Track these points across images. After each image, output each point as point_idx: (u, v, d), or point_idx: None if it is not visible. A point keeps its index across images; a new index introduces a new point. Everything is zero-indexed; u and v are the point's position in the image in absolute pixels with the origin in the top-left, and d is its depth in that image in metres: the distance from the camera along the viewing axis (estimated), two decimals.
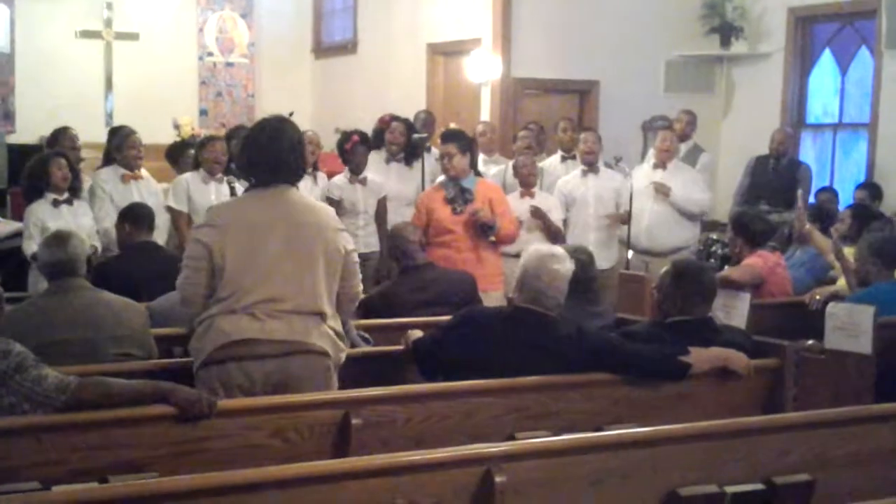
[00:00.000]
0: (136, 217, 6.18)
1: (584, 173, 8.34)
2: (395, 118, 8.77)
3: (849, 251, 6.78)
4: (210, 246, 4.16)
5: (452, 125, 10.26)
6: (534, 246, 4.95)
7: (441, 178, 7.49)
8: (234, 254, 4.15)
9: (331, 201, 7.83)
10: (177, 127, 11.94)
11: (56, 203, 6.85)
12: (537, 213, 7.81)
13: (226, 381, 4.12)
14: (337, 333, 4.33)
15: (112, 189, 7.35)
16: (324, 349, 4.24)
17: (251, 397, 4.10)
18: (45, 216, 6.77)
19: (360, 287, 4.56)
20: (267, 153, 4.29)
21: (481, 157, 8.76)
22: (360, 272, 4.52)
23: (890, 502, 3.19)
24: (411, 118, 9.14)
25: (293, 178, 4.37)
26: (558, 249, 4.70)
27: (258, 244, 4.18)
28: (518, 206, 7.77)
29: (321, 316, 4.25)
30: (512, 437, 4.07)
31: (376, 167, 8.37)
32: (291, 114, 9.64)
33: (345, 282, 4.38)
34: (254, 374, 4.14)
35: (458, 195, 7.05)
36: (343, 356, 4.37)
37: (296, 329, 4.18)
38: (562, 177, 8.61)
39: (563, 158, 9.05)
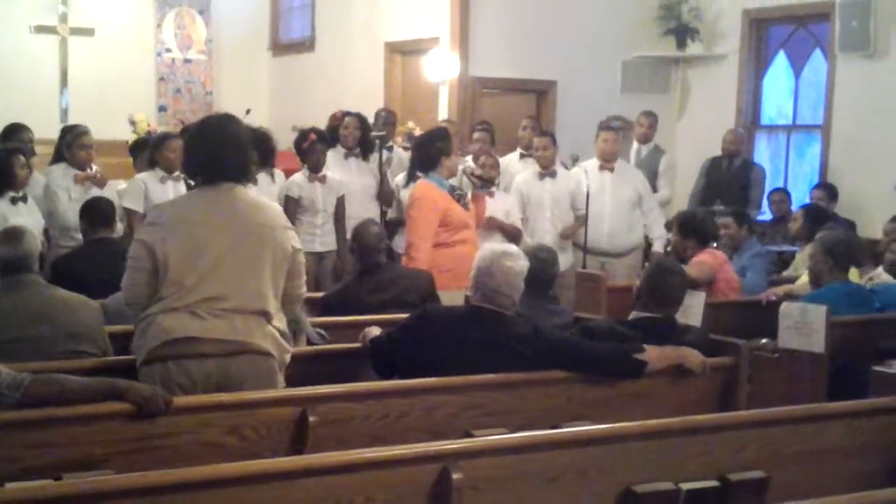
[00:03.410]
0: (93, 213, 6.14)
1: (542, 176, 8.36)
2: (347, 114, 8.76)
3: (801, 256, 6.87)
4: (151, 245, 4.10)
5: (410, 124, 10.29)
6: (487, 244, 4.96)
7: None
8: (176, 252, 4.08)
9: (290, 199, 7.82)
10: (132, 123, 11.85)
11: (14, 200, 6.77)
12: (492, 223, 7.77)
13: (166, 379, 4.03)
14: (282, 334, 4.27)
15: (69, 187, 7.30)
16: (267, 350, 4.17)
17: (206, 394, 4.06)
18: (8, 213, 6.69)
19: (304, 288, 4.49)
20: (209, 152, 4.23)
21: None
22: (304, 272, 4.46)
23: (841, 499, 3.23)
24: (369, 117, 9.11)
25: (238, 176, 4.29)
26: (511, 247, 4.71)
27: (201, 242, 4.11)
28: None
29: (265, 315, 4.19)
30: (469, 435, 4.07)
31: (336, 164, 8.36)
32: (248, 112, 9.64)
33: (290, 281, 4.32)
34: (194, 374, 4.06)
35: (461, 193, 7.02)
36: (288, 357, 4.30)
37: (238, 328, 4.11)
38: (520, 173, 8.63)
39: (522, 156, 9.07)
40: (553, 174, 8.36)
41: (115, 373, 4.04)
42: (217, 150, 4.22)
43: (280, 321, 4.28)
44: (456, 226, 6.79)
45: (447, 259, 6.72)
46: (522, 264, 4.58)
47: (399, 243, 8.20)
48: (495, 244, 4.91)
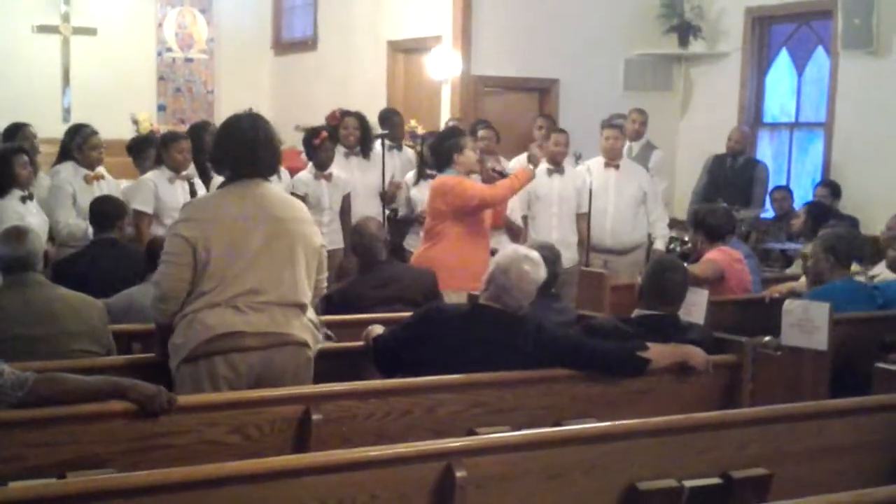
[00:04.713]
0: (98, 213, 6.15)
1: (550, 173, 8.35)
2: (345, 113, 8.75)
3: (804, 253, 6.85)
4: (194, 241, 4.17)
5: (413, 122, 10.29)
6: (513, 245, 4.97)
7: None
8: (218, 248, 4.17)
9: (295, 197, 7.81)
10: (135, 122, 11.85)
11: (23, 199, 6.77)
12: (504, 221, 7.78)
13: (212, 374, 4.13)
14: (314, 324, 4.40)
15: (76, 187, 7.29)
16: (305, 340, 4.30)
17: (210, 394, 4.07)
18: (21, 211, 6.70)
19: (326, 283, 4.64)
20: (243, 147, 4.32)
21: None
22: (326, 267, 4.58)
23: (845, 496, 3.23)
24: (371, 116, 9.11)
25: (268, 172, 4.42)
26: (535, 254, 4.68)
27: (240, 237, 4.21)
28: None
29: (301, 307, 4.31)
30: (472, 432, 4.08)
31: (338, 163, 8.36)
32: (250, 111, 9.54)
33: (316, 275, 4.44)
34: (239, 367, 4.16)
35: None
36: (318, 347, 4.43)
37: (278, 321, 4.22)
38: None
39: None
40: (562, 171, 8.36)
41: (119, 372, 4.06)
42: (251, 147, 4.32)
43: (312, 313, 4.41)
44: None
45: (451, 256, 6.71)
46: (541, 274, 4.59)
47: (411, 242, 8.24)
48: (521, 247, 4.88)
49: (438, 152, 7.05)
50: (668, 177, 10.64)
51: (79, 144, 7.46)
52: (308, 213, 4.56)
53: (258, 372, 4.19)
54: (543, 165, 8.45)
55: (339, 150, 8.53)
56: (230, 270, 4.18)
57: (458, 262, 6.53)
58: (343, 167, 8.40)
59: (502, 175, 7.11)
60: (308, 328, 4.34)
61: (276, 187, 4.60)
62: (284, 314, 4.24)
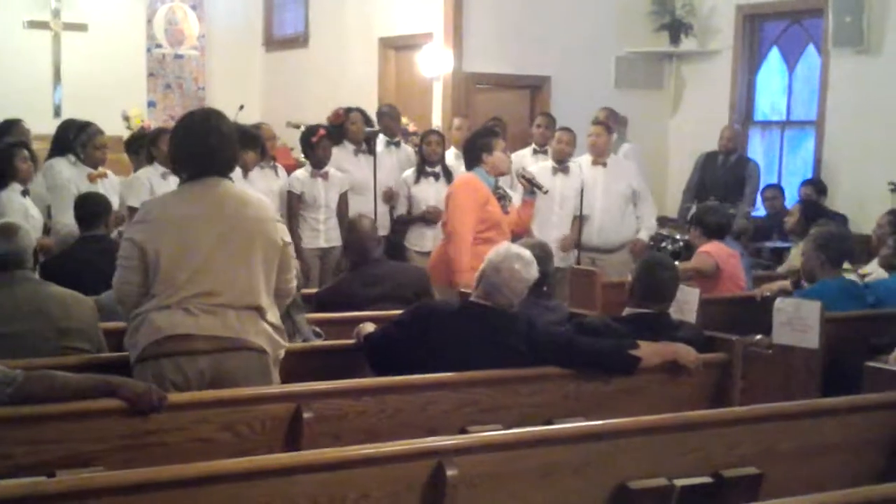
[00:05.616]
0: (84, 209, 6.14)
1: (555, 171, 8.35)
2: (349, 110, 8.75)
3: (795, 251, 6.87)
4: (142, 244, 4.08)
5: (404, 119, 10.29)
6: (506, 243, 4.96)
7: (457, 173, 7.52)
8: (167, 249, 4.06)
9: (291, 195, 7.84)
10: (126, 119, 11.81)
11: (23, 194, 6.77)
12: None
13: (159, 376, 4.00)
14: (275, 328, 4.24)
15: (81, 187, 7.24)
16: (260, 346, 4.14)
17: (200, 391, 4.04)
18: (25, 203, 6.69)
19: (295, 281, 4.47)
20: (195, 146, 4.20)
21: (453, 152, 8.78)
22: (294, 266, 4.43)
23: (835, 494, 3.23)
24: (364, 113, 9.11)
25: (224, 170, 4.26)
26: (527, 253, 4.67)
27: (191, 238, 4.09)
28: None
29: (258, 311, 4.16)
30: (464, 431, 4.08)
31: (347, 160, 8.38)
32: (242, 107, 9.58)
33: (279, 275, 4.28)
34: (187, 371, 4.03)
35: (503, 193, 6.98)
36: (282, 352, 4.28)
37: (231, 324, 4.08)
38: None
39: (535, 152, 9.09)
40: (566, 170, 8.36)
41: (110, 369, 4.04)
42: (204, 145, 4.18)
43: (273, 316, 4.25)
44: (487, 223, 6.69)
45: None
46: (532, 273, 4.58)
47: (412, 240, 8.25)
48: (514, 245, 4.86)
49: (469, 149, 6.97)
50: (656, 173, 10.64)
51: (83, 142, 7.43)
52: (272, 210, 4.40)
53: (210, 377, 4.05)
54: (548, 163, 8.47)
55: (349, 149, 8.54)
56: (181, 272, 4.05)
57: (472, 260, 6.47)
58: (354, 164, 8.44)
59: (531, 182, 7.08)
60: (265, 333, 4.16)
61: (235, 185, 4.39)
62: (239, 318, 4.09)
